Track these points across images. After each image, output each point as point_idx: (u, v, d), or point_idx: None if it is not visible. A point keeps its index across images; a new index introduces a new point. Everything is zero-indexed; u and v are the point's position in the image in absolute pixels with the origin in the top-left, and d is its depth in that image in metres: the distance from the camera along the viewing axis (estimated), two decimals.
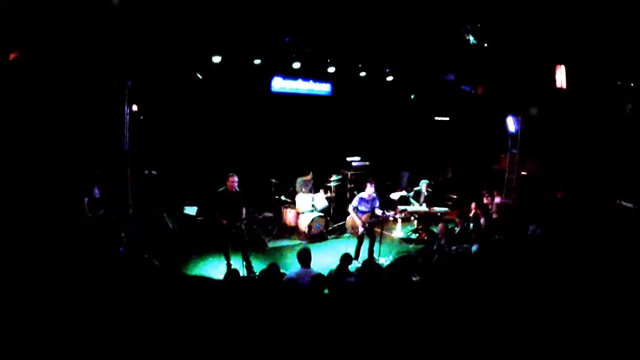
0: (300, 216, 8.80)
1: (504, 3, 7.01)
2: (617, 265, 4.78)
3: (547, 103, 8.66)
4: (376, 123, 11.07)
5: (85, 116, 6.98)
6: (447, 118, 11.40)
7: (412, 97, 11.40)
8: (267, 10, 6.51)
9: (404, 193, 9.40)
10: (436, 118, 11.54)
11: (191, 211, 8.31)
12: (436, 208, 8.93)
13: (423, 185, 9.13)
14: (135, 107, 6.09)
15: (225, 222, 6.32)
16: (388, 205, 8.88)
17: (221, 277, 6.13)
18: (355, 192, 8.29)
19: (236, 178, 6.37)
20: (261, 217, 8.49)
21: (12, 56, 5.50)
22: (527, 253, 5.33)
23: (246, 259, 6.55)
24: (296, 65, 8.56)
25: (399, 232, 9.23)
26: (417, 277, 4.64)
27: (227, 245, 6.48)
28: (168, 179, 8.09)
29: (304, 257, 4.85)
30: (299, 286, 4.61)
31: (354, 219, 7.23)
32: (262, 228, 8.84)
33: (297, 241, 8.36)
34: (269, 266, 4.48)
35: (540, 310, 3.75)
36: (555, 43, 7.55)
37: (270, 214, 8.73)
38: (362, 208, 7.18)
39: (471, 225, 7.49)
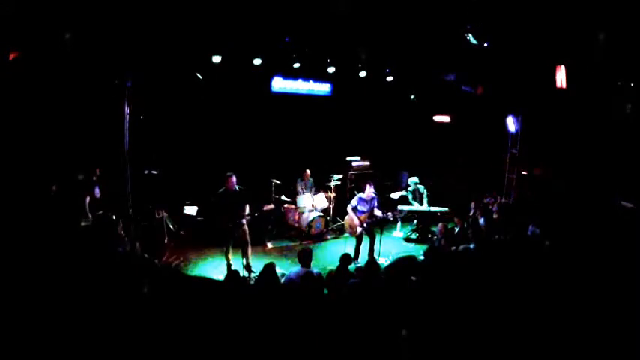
0: (300, 216, 8.81)
1: (504, 3, 7.01)
2: (617, 265, 4.78)
3: (547, 103, 8.65)
4: (376, 123, 11.07)
5: (85, 116, 6.98)
6: (448, 119, 11.31)
7: (412, 97, 11.40)
8: (267, 10, 6.51)
9: (404, 193, 9.42)
10: (435, 118, 11.47)
11: (191, 211, 8.31)
12: (436, 208, 8.95)
13: (413, 183, 9.16)
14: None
15: (228, 223, 6.33)
16: (388, 205, 8.89)
17: (221, 277, 6.14)
18: (355, 192, 8.30)
19: (234, 179, 6.36)
20: (262, 211, 8.41)
21: (12, 56, 5.50)
22: (527, 254, 5.33)
23: (246, 259, 6.55)
24: (296, 65, 8.56)
25: (399, 232, 9.24)
26: (417, 277, 4.63)
27: (228, 245, 6.49)
28: (168, 179, 8.10)
29: (305, 257, 4.86)
30: (299, 286, 4.61)
31: (352, 219, 7.24)
32: (262, 228, 8.85)
33: (297, 241, 8.37)
34: (266, 266, 4.48)
35: (540, 310, 3.75)
36: (555, 43, 7.54)
37: (272, 206, 8.70)
38: (361, 208, 7.19)
39: (471, 225, 7.49)
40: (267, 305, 3.82)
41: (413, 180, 9.24)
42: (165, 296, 3.99)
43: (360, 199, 7.22)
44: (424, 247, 7.33)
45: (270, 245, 8.19)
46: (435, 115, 11.35)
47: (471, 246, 5.66)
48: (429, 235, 8.73)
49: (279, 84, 9.39)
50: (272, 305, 3.82)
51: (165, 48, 6.63)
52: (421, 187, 9.17)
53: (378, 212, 7.20)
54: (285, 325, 3.44)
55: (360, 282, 4.40)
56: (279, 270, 4.90)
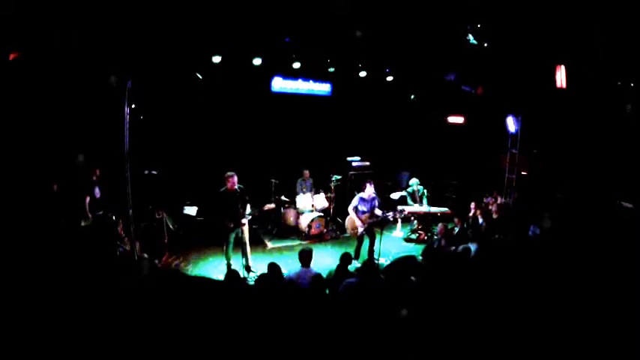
0: (300, 216, 8.81)
1: (504, 3, 7.01)
2: (617, 265, 4.77)
3: (547, 103, 8.65)
4: (376, 123, 11.07)
5: (85, 116, 6.98)
6: (462, 120, 11.23)
7: (412, 97, 11.40)
8: (267, 10, 6.51)
9: (404, 193, 9.43)
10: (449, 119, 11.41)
11: (191, 211, 8.31)
12: (436, 208, 8.95)
13: (414, 185, 9.16)
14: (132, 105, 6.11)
15: (230, 224, 6.33)
16: (388, 205, 8.89)
17: (221, 277, 6.14)
18: (355, 192, 8.29)
19: (235, 178, 6.37)
20: (263, 210, 8.37)
21: (12, 56, 5.50)
22: (527, 254, 5.33)
23: (246, 259, 6.55)
24: (296, 65, 8.56)
25: (399, 232, 9.24)
26: (417, 278, 4.63)
27: (228, 245, 6.49)
28: (168, 179, 8.10)
29: (305, 257, 4.85)
30: (299, 286, 4.61)
31: (353, 219, 7.24)
32: (262, 228, 8.86)
33: (297, 241, 8.37)
34: (269, 266, 4.48)
35: (540, 310, 3.75)
36: (555, 43, 7.54)
37: (272, 206, 8.69)
38: (362, 208, 7.19)
39: (471, 225, 7.50)
40: (268, 305, 3.82)
41: (414, 181, 9.25)
42: (165, 296, 3.99)
43: (361, 198, 7.22)
44: (424, 247, 7.33)
45: (270, 245, 8.19)
46: (448, 116, 11.32)
47: (471, 246, 5.66)
48: (429, 235, 8.73)
49: (279, 84, 9.40)
50: (272, 305, 3.82)
51: (165, 48, 6.62)
52: (421, 188, 9.18)
53: (378, 212, 7.19)
54: (285, 324, 3.44)
55: (356, 282, 4.40)
56: None
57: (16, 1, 5.14)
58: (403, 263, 5.37)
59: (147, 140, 7.36)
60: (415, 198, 9.15)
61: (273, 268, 4.45)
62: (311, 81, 9.85)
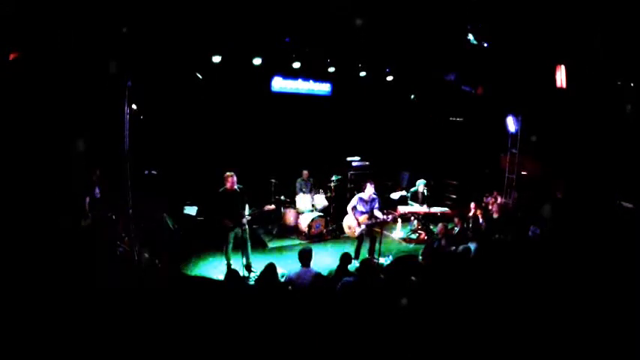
0: (300, 216, 8.81)
1: (504, 3, 7.01)
2: (617, 265, 4.77)
3: (547, 103, 8.65)
4: (376, 123, 11.08)
5: (85, 116, 6.98)
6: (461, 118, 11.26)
7: (412, 97, 11.40)
8: (268, 10, 6.51)
9: (404, 193, 9.43)
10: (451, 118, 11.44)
11: (191, 211, 8.31)
12: (436, 208, 8.96)
13: (420, 185, 9.16)
14: (134, 106, 6.10)
15: (229, 223, 6.33)
16: (388, 205, 8.89)
17: (221, 277, 6.15)
18: (355, 192, 8.28)
19: (234, 178, 6.37)
20: (263, 211, 8.35)
21: (12, 56, 5.50)
22: (527, 254, 5.33)
23: (246, 258, 6.55)
24: (296, 65, 8.56)
25: (399, 232, 9.24)
26: (417, 278, 4.63)
27: (228, 245, 6.49)
28: (168, 179, 8.09)
29: (305, 257, 4.85)
30: (299, 286, 4.62)
31: (351, 219, 7.23)
32: (262, 228, 8.85)
33: (297, 241, 8.37)
34: (266, 267, 4.48)
35: (540, 311, 3.75)
36: (555, 43, 7.54)
37: (273, 207, 8.68)
38: (360, 208, 7.17)
39: (471, 225, 7.50)
40: (267, 305, 3.82)
41: (421, 181, 9.23)
42: (165, 296, 3.99)
43: (360, 199, 7.20)
44: (424, 247, 7.33)
45: (270, 245, 8.19)
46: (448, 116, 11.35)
47: (471, 246, 5.66)
48: (429, 235, 8.73)
49: (279, 84, 9.40)
50: (272, 305, 3.82)
51: (165, 48, 6.62)
52: (425, 190, 9.18)
53: (378, 214, 7.15)
54: (285, 324, 3.44)
55: (354, 281, 4.40)
56: (279, 270, 4.90)
57: (16, 1, 5.14)
58: (403, 263, 5.38)
59: (147, 140, 7.36)
60: (417, 198, 9.15)
61: (269, 268, 4.45)
62: (311, 81, 9.85)
